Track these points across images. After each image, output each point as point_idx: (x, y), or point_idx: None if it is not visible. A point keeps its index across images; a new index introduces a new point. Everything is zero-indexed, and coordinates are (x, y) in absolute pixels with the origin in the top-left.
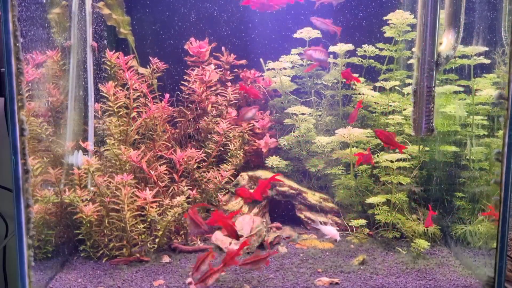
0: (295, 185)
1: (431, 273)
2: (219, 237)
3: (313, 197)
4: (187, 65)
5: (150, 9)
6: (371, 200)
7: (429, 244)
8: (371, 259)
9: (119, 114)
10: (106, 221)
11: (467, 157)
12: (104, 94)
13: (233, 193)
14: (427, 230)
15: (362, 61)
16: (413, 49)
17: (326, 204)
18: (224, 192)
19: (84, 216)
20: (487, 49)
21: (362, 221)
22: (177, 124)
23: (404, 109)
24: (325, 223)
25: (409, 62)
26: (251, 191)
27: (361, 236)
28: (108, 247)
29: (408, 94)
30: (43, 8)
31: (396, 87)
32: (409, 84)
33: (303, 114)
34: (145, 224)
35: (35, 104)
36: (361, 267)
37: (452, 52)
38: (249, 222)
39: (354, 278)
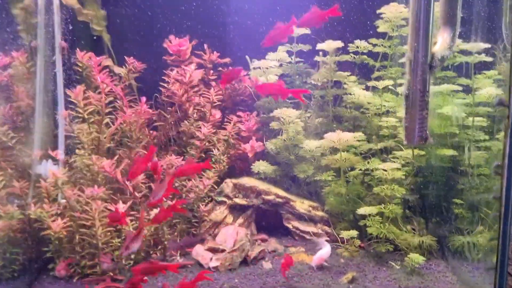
0: (282, 192)
1: None
2: (199, 252)
3: (302, 205)
4: (168, 64)
5: (128, 3)
6: (362, 210)
7: (424, 258)
8: (362, 276)
9: (90, 121)
10: (77, 237)
11: (466, 162)
12: (73, 100)
13: (216, 201)
14: (423, 242)
15: (354, 58)
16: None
17: (316, 213)
18: (207, 201)
19: (52, 233)
20: (488, 46)
21: (354, 233)
22: (157, 128)
23: (398, 111)
24: (316, 234)
25: (401, 61)
26: None
27: (352, 248)
28: (79, 265)
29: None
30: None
31: (390, 87)
32: (402, 84)
33: (289, 117)
34: (120, 239)
35: None
36: (350, 286)
37: (447, 53)
38: (233, 234)
39: None
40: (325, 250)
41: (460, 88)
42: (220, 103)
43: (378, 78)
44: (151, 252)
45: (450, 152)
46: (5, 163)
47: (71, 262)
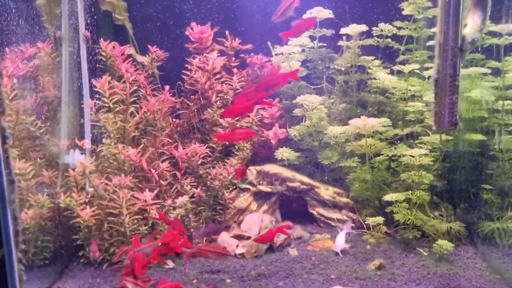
0: (306, 179)
1: (455, 278)
2: (225, 239)
3: (326, 192)
4: (190, 52)
5: None
6: (388, 197)
7: (453, 245)
8: (389, 263)
9: (116, 110)
10: (105, 225)
11: (496, 146)
12: (98, 90)
13: (240, 188)
14: (451, 228)
15: (378, 41)
16: (434, 30)
17: (340, 199)
18: (231, 189)
19: (81, 221)
20: None
21: (380, 219)
22: (180, 116)
23: (425, 95)
24: (340, 221)
25: (429, 44)
26: None
27: (379, 235)
28: (108, 252)
29: (429, 77)
30: None
31: (416, 70)
32: (429, 68)
33: (313, 103)
34: (147, 227)
35: (26, 102)
36: (378, 273)
37: (478, 35)
38: (258, 221)
39: (371, 285)
40: (341, 234)
41: (489, 71)
42: (242, 90)
43: (403, 62)
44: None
45: (478, 136)
46: (33, 153)
47: (99, 244)
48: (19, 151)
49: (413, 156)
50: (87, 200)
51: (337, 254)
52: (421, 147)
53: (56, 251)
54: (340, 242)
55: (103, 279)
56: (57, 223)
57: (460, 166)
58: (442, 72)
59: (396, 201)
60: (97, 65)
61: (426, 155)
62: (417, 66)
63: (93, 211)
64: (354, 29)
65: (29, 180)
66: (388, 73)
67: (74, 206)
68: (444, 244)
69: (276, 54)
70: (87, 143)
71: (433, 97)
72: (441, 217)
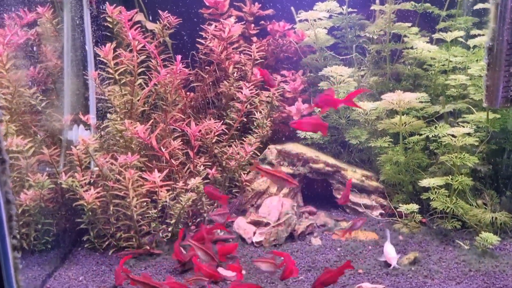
0: (331, 160)
1: (502, 277)
2: (241, 225)
3: (354, 174)
4: (205, 18)
5: None
6: (425, 182)
7: (499, 238)
8: (425, 257)
9: (122, 82)
10: (111, 208)
11: None
12: (102, 59)
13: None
14: (496, 219)
15: (416, 6)
16: None
17: (369, 183)
18: (248, 169)
19: (85, 203)
20: None
21: (414, 206)
22: (194, 90)
23: (469, 67)
24: (369, 207)
25: (477, 7)
26: None
27: (412, 224)
28: (114, 237)
29: (474, 47)
30: None
31: (459, 39)
32: (475, 36)
33: (341, 75)
34: (156, 210)
35: (25, 72)
36: (412, 268)
37: None
38: (277, 206)
39: (404, 283)
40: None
41: None
42: (262, 60)
43: (444, 29)
44: (190, 223)
45: None
46: (34, 128)
47: (105, 234)
48: (18, 126)
49: (454, 136)
50: (91, 180)
51: (389, 266)
52: (463, 127)
53: (58, 235)
54: (394, 253)
55: (108, 267)
56: (59, 205)
57: (508, 148)
58: (498, 39)
59: (434, 186)
60: (103, 33)
61: (469, 134)
62: (461, 33)
63: (98, 192)
64: None
65: (29, 158)
66: (427, 42)
67: (77, 187)
68: (489, 237)
69: (300, 21)
70: (92, 118)
71: (486, 68)
72: (484, 206)
